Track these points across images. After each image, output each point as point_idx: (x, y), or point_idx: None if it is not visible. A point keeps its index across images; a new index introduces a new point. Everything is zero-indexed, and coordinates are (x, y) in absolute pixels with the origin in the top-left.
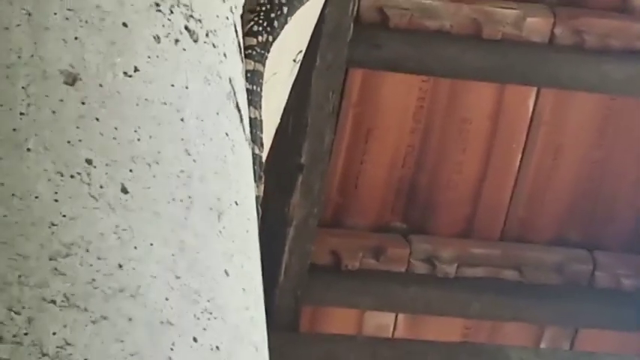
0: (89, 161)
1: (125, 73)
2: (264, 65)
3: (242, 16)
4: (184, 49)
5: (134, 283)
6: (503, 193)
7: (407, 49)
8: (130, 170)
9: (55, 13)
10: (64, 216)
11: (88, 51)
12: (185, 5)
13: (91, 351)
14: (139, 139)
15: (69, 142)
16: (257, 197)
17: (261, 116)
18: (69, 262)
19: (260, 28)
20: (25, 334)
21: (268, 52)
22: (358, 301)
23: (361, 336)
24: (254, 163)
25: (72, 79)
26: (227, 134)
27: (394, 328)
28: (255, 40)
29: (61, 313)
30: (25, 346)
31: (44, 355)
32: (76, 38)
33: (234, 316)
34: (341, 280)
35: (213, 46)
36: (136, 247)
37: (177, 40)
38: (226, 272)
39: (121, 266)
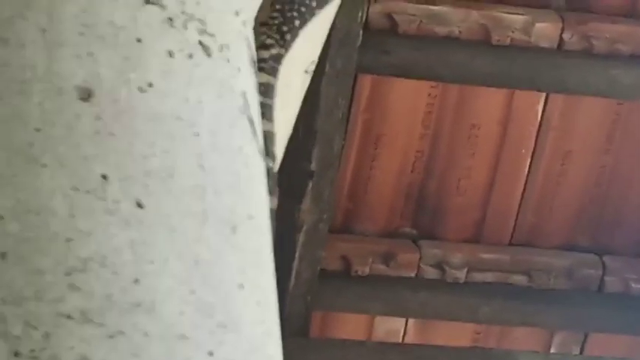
0: (104, 176)
1: (139, 88)
2: (276, 78)
3: (254, 29)
4: (198, 64)
5: (150, 298)
6: (512, 199)
7: (416, 55)
8: (145, 185)
9: (70, 29)
10: (80, 231)
11: (103, 66)
12: (199, 20)
13: None
14: (153, 154)
15: (84, 157)
16: (270, 210)
17: (273, 129)
18: (85, 277)
19: (272, 41)
20: (43, 349)
21: (280, 64)
22: (368, 307)
23: (371, 341)
24: (267, 177)
25: (86, 95)
26: (241, 148)
27: (404, 333)
28: (267, 53)
29: (77, 328)
30: None
31: None
32: (90, 54)
33: (248, 330)
34: (351, 285)
35: (227, 60)
36: (151, 262)
37: (190, 55)
38: (241, 286)
39: (136, 281)
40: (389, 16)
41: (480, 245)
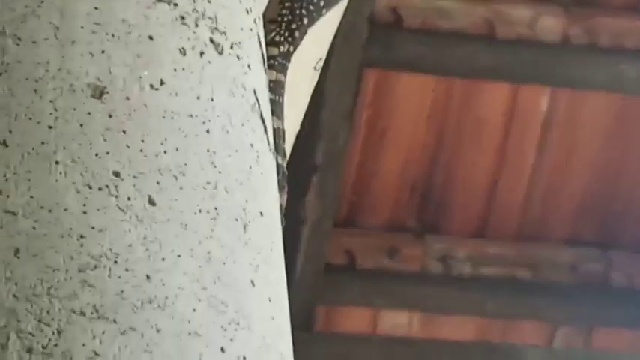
0: (117, 174)
1: (151, 86)
2: (285, 75)
3: (264, 27)
4: (209, 62)
5: (162, 295)
6: (517, 193)
7: (421, 50)
8: (157, 182)
9: (82, 27)
10: (93, 228)
11: (115, 64)
12: (210, 18)
13: None
14: (165, 152)
15: (97, 154)
16: (280, 207)
17: (283, 126)
18: (98, 273)
19: (281, 39)
20: (55, 345)
21: (289, 61)
22: (373, 301)
23: (376, 335)
24: (277, 173)
25: (99, 93)
26: (252, 145)
27: (409, 327)
28: (276, 50)
29: (90, 324)
30: (54, 357)
31: None
32: (102, 52)
33: (260, 326)
34: (355, 279)
35: (238, 57)
36: (163, 259)
37: (202, 53)
38: (252, 282)
39: (149, 277)
40: (394, 11)
41: (484, 239)
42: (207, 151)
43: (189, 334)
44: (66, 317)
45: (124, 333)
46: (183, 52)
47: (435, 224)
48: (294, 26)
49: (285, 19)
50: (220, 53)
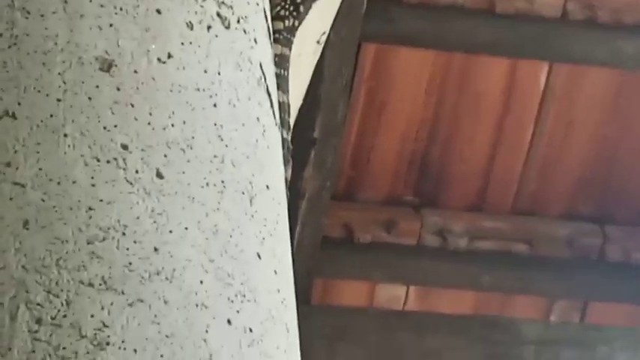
0: (125, 146)
1: (159, 59)
2: (290, 49)
3: (269, 1)
4: (216, 36)
5: (169, 267)
6: (514, 167)
7: (420, 24)
8: (165, 155)
9: (90, 1)
10: (101, 200)
11: (123, 38)
12: None
13: (128, 333)
14: (173, 125)
15: (105, 127)
16: (285, 180)
17: (288, 100)
18: (106, 245)
19: (286, 13)
20: (64, 316)
21: (294, 36)
22: (370, 274)
23: (373, 308)
24: (282, 147)
25: (107, 66)
26: (258, 119)
27: (405, 301)
28: (281, 24)
29: (98, 295)
30: (63, 328)
31: (82, 337)
32: (110, 25)
33: (266, 299)
34: (353, 252)
35: (244, 31)
36: (171, 231)
37: (209, 27)
38: (258, 255)
39: (156, 250)
40: None
41: (481, 213)
42: (215, 124)
43: (197, 306)
44: (74, 289)
45: (131, 304)
46: (190, 25)
47: (432, 198)
48: (299, 0)
49: None
50: (227, 27)
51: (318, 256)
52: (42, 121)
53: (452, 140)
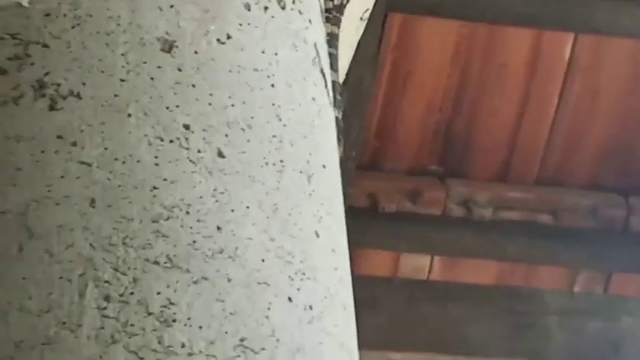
0: (187, 126)
1: (218, 40)
2: (339, 28)
3: None
4: (273, 16)
5: (232, 245)
6: (539, 138)
7: None
8: (226, 135)
9: None
10: (165, 180)
11: (183, 19)
12: None
13: (194, 310)
14: (232, 105)
15: (167, 107)
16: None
17: (338, 79)
18: (170, 224)
19: None
20: (131, 293)
21: (342, 14)
22: (394, 244)
23: (397, 278)
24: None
25: (168, 47)
26: (314, 99)
27: (430, 271)
28: (331, 2)
29: (164, 273)
30: (131, 305)
31: (149, 314)
32: (171, 6)
33: (325, 276)
34: (378, 222)
35: (299, 12)
36: (232, 210)
37: (266, 8)
38: (317, 234)
39: (219, 228)
40: None
41: (506, 184)
42: (273, 104)
43: (259, 283)
44: (141, 266)
45: (196, 282)
46: (247, 7)
47: (457, 168)
48: None
49: None
50: (283, 8)
51: None
52: (106, 101)
53: (477, 110)
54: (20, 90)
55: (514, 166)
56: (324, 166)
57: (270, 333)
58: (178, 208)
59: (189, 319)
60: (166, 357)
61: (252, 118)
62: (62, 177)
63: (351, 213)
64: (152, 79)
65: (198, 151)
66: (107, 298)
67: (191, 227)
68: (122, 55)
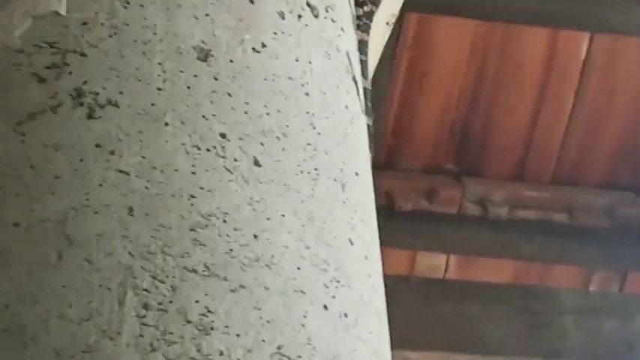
0: (223, 135)
1: (253, 49)
2: (369, 34)
3: None
4: (306, 25)
5: (268, 253)
6: (554, 137)
7: None
8: (261, 144)
9: None
10: (202, 188)
11: (218, 27)
12: None
13: (232, 318)
14: (268, 114)
15: (204, 116)
16: None
17: (369, 85)
18: (208, 232)
19: None
20: (170, 302)
21: (372, 21)
22: (411, 243)
23: (413, 277)
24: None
25: (204, 55)
26: (347, 107)
27: (446, 269)
28: (361, 10)
29: (202, 281)
30: (170, 313)
31: (188, 322)
32: (206, 15)
33: (359, 284)
34: (394, 221)
35: (332, 20)
36: (268, 219)
37: (300, 16)
38: (351, 241)
39: (255, 237)
40: None
41: (522, 183)
42: (307, 112)
43: (295, 291)
44: (179, 275)
45: (234, 290)
46: (282, 15)
47: (473, 167)
48: None
49: None
50: (316, 16)
51: None
52: (143, 109)
53: (493, 109)
54: (58, 99)
55: (530, 165)
56: (357, 174)
57: (307, 341)
58: (215, 216)
59: (227, 327)
60: None
61: (287, 126)
62: (101, 185)
63: None
64: (189, 87)
65: (235, 160)
66: (146, 307)
67: (228, 235)
68: (159, 63)
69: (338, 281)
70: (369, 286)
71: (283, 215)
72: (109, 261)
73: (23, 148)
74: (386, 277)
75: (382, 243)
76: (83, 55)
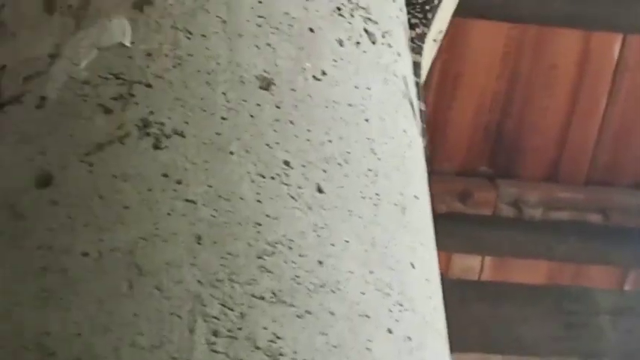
0: (287, 163)
1: (314, 77)
2: (421, 56)
3: None
4: (365, 51)
5: (333, 279)
6: (588, 138)
7: None
8: (324, 170)
9: (248, 21)
10: (267, 216)
11: (280, 57)
12: (363, 8)
13: (299, 344)
14: (330, 141)
15: (267, 144)
16: None
17: (424, 107)
18: (274, 259)
19: (417, 21)
20: (239, 328)
21: (424, 42)
22: (445, 244)
23: (448, 278)
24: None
25: (266, 84)
26: (405, 131)
27: (480, 271)
28: (414, 32)
29: (269, 308)
30: (239, 340)
31: (257, 348)
32: (268, 44)
33: (421, 307)
34: None
35: (389, 46)
36: (333, 244)
37: (358, 43)
38: (412, 265)
39: (320, 263)
40: None
41: (556, 184)
42: (367, 138)
43: (360, 316)
44: (247, 302)
45: (300, 316)
46: (340, 42)
47: (507, 169)
48: (427, 8)
49: (420, 1)
50: (374, 42)
51: None
52: (209, 139)
53: (526, 111)
54: (125, 129)
55: (564, 166)
56: (416, 197)
57: None
58: (281, 243)
59: (295, 352)
60: None
61: (348, 153)
62: (169, 214)
63: None
64: (252, 116)
65: (299, 187)
66: (216, 334)
67: (294, 262)
68: (222, 93)
69: (401, 305)
70: (430, 308)
71: (347, 241)
72: (178, 289)
73: (91, 178)
74: None
75: None
76: (148, 85)
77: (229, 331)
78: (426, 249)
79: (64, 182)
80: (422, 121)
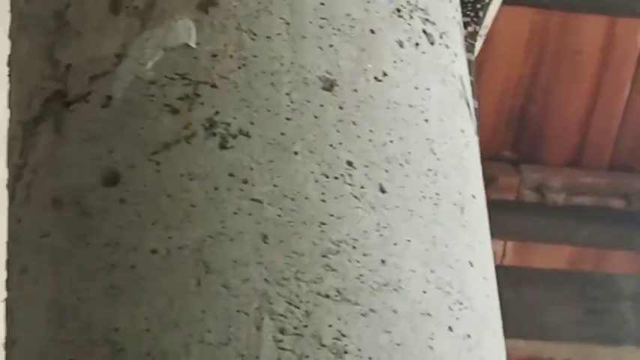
0: (350, 163)
1: (375, 78)
2: (474, 54)
3: None
4: (424, 52)
5: (396, 278)
6: (611, 124)
7: None
8: (386, 171)
9: (311, 22)
10: (332, 215)
11: (342, 58)
12: (421, 9)
13: (363, 342)
14: (391, 141)
15: (331, 145)
16: None
17: (478, 105)
18: (339, 258)
19: (469, 19)
20: (305, 326)
21: (476, 40)
22: None
23: None
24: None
25: (329, 85)
26: (462, 131)
27: (503, 255)
28: (465, 31)
29: (334, 306)
30: (305, 338)
31: (323, 346)
32: (330, 46)
33: (479, 305)
34: None
35: (447, 46)
36: (395, 244)
37: (417, 44)
38: (471, 263)
39: (383, 262)
40: None
41: (579, 169)
42: (427, 139)
43: (422, 314)
44: (313, 300)
45: (365, 314)
46: (400, 44)
47: (530, 154)
48: (479, 6)
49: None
50: (432, 43)
51: None
52: (274, 139)
53: (550, 97)
54: (191, 129)
55: (587, 151)
56: (473, 197)
57: None
58: (345, 242)
59: (359, 350)
60: None
61: (409, 153)
62: (235, 213)
63: None
64: (316, 117)
65: (362, 187)
66: (282, 331)
67: (358, 261)
68: (287, 94)
69: (461, 303)
70: (488, 307)
71: (409, 240)
72: (245, 287)
73: (159, 177)
74: None
75: None
76: (214, 86)
77: (295, 328)
78: (483, 248)
79: (131, 181)
80: (477, 119)
